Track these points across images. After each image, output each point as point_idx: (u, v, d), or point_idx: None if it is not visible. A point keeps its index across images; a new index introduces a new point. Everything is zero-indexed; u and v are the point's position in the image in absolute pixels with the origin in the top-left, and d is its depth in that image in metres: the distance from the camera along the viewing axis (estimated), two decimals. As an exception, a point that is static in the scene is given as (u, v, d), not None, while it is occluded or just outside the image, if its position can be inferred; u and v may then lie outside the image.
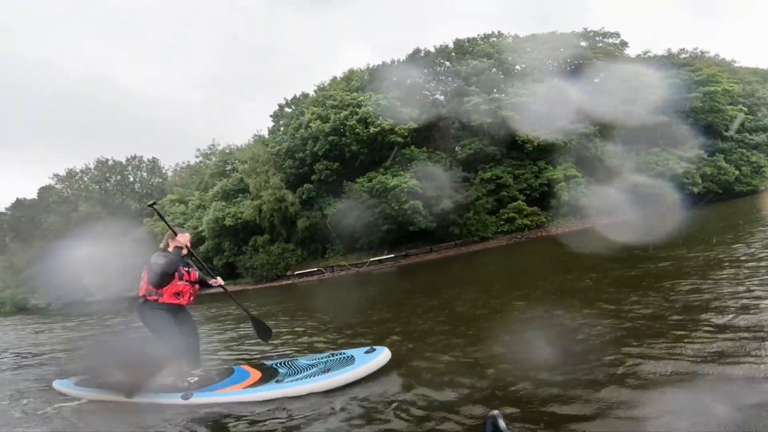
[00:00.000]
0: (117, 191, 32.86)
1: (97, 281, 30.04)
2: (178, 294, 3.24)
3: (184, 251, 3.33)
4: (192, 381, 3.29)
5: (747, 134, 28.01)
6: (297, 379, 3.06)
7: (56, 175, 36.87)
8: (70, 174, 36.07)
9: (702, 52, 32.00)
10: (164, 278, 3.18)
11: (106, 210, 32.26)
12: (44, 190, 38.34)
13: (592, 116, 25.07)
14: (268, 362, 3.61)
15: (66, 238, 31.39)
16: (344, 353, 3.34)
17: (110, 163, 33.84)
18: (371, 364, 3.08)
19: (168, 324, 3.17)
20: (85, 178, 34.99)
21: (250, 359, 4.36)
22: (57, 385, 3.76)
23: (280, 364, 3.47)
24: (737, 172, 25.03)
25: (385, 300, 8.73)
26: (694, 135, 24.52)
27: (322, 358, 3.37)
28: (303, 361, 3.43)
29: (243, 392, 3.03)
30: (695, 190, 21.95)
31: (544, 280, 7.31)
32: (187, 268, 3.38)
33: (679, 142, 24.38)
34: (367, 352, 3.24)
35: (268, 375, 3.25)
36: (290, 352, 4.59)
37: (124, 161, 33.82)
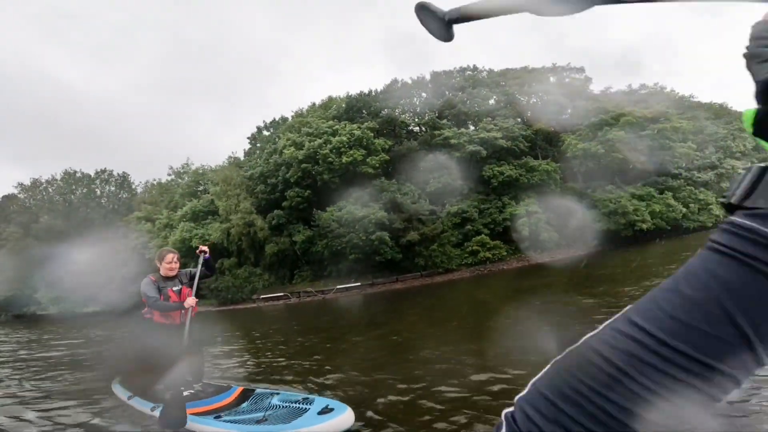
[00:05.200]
0: (82, 204, 31.77)
1: (51, 295, 28.94)
2: (164, 315, 3.34)
3: (169, 273, 3.41)
4: (185, 393, 3.42)
5: (695, 172, 30.03)
6: (232, 421, 2.97)
7: (20, 184, 35.59)
8: (35, 184, 34.76)
9: (661, 88, 33.87)
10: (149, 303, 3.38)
11: (68, 223, 31.10)
12: (6, 199, 36.86)
13: (554, 153, 26.66)
14: (260, 390, 3.59)
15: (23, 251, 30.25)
16: (305, 406, 3.06)
17: (78, 175, 32.81)
18: (315, 428, 2.66)
19: (157, 340, 3.29)
20: (50, 189, 33.75)
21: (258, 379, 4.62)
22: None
23: (258, 395, 3.43)
24: (685, 210, 26.79)
25: (352, 331, 8.87)
26: (646, 173, 26.25)
27: (285, 404, 3.19)
28: (276, 399, 3.28)
29: (191, 418, 3.09)
30: (644, 227, 23.47)
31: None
32: (176, 288, 3.35)
33: (633, 179, 26.17)
34: (321, 412, 2.83)
35: (234, 404, 3.28)
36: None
37: (93, 174, 32.91)
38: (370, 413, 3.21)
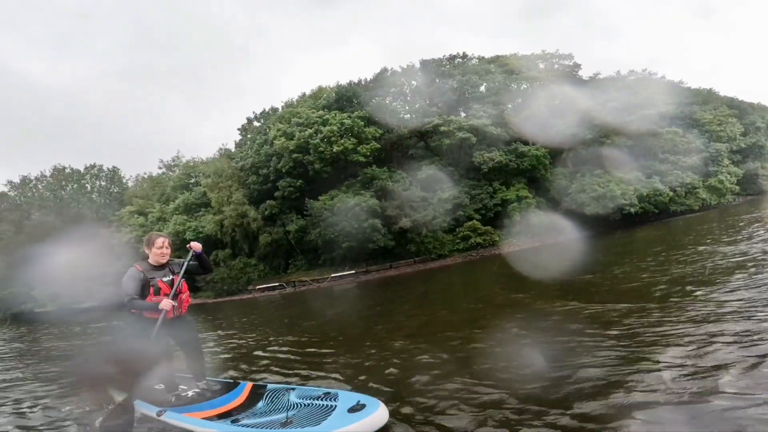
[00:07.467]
0: (73, 200, 31.64)
1: (48, 292, 28.91)
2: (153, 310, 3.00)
3: (159, 261, 3.06)
4: (185, 394, 3.19)
5: (681, 156, 30.41)
6: (254, 426, 2.67)
7: (10, 182, 35.36)
8: (25, 181, 34.55)
9: (650, 74, 33.93)
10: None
11: (59, 219, 30.99)
12: (-3, 197, 36.52)
13: (544, 138, 26.92)
14: (271, 385, 3.30)
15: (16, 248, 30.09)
16: (330, 402, 2.79)
17: (67, 171, 32.59)
18: (350, 429, 2.39)
19: (144, 336, 2.96)
20: (40, 186, 33.51)
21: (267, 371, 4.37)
22: None
23: (273, 392, 3.15)
24: (672, 194, 27.26)
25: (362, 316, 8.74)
26: (634, 157, 26.59)
27: (306, 401, 2.91)
28: (293, 396, 3.00)
29: (201, 423, 2.81)
30: (632, 210, 23.93)
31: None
32: (167, 279, 3.01)
33: (621, 164, 26.52)
34: (352, 409, 2.56)
35: (248, 404, 3.03)
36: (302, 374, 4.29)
37: (82, 170, 32.68)
38: (399, 407, 2.92)
